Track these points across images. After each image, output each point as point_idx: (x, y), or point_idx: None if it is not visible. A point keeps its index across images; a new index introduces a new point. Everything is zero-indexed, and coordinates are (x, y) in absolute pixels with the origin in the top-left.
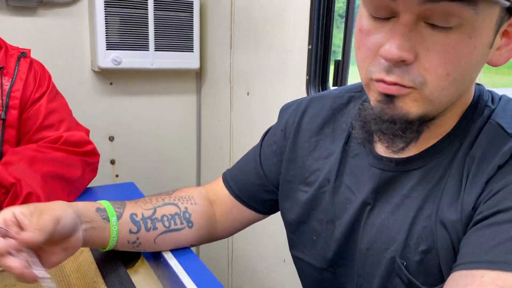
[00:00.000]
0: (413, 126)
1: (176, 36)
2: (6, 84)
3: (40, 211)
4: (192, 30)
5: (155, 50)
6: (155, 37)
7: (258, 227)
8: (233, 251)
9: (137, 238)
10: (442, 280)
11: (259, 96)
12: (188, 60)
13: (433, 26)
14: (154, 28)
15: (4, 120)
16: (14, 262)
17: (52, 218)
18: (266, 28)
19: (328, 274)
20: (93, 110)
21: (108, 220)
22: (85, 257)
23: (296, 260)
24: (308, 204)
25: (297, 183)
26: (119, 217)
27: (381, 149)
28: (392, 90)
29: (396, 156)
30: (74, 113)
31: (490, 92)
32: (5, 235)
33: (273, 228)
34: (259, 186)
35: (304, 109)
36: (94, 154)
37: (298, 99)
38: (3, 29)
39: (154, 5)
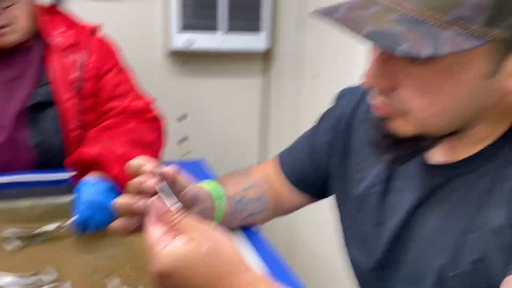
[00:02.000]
0: (415, 141)
1: (247, 17)
2: (81, 58)
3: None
4: (263, 10)
5: (225, 32)
6: (228, 17)
7: (319, 207)
8: (294, 223)
9: (230, 221)
10: None
11: (329, 79)
12: (256, 42)
13: (412, 59)
14: (227, 8)
15: (80, 92)
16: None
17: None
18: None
19: (373, 276)
20: (165, 90)
21: (215, 202)
22: None
23: (348, 254)
24: (354, 204)
25: (347, 179)
26: (224, 198)
27: (433, 153)
28: (379, 112)
29: (449, 160)
30: (149, 93)
31: None
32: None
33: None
34: (310, 172)
35: (360, 99)
36: (158, 119)
37: (356, 86)
38: (80, 13)
39: None
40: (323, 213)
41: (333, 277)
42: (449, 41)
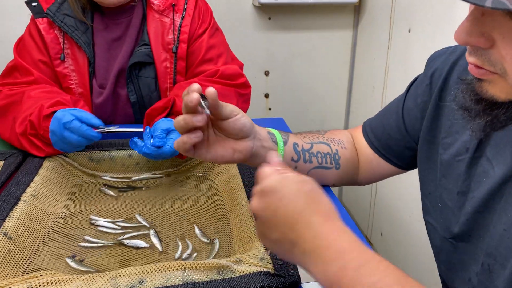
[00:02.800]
0: (511, 109)
1: None
2: (177, 20)
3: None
4: None
5: None
6: None
7: (404, 175)
8: (376, 195)
9: (296, 167)
10: None
11: (423, 34)
12: None
13: (505, 14)
14: None
15: (175, 53)
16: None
17: (233, 106)
18: None
19: (448, 245)
20: (251, 45)
21: (276, 144)
22: (236, 182)
23: (426, 223)
24: (439, 170)
25: (436, 143)
26: (285, 143)
27: None
28: (475, 72)
29: None
30: (234, 47)
31: None
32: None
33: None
34: (399, 141)
35: (455, 61)
36: (246, 86)
37: (451, 47)
38: None
39: None
40: (405, 178)
41: (412, 244)
42: None
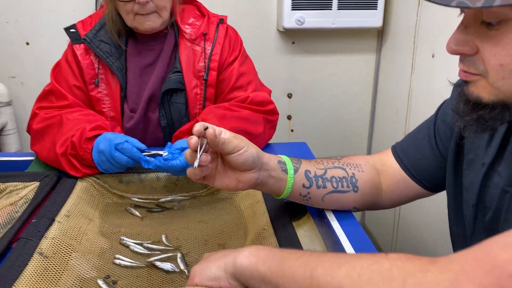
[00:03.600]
0: (494, 110)
1: None
2: (208, 48)
3: (233, 134)
4: None
5: (337, 9)
6: None
7: (428, 202)
8: (400, 219)
9: (308, 193)
10: None
11: (446, 59)
12: (370, 18)
13: (488, 24)
14: None
15: (206, 80)
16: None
17: (241, 140)
18: None
19: None
20: (275, 68)
21: (286, 172)
22: (260, 207)
23: (451, 232)
24: (464, 185)
25: (461, 160)
26: (295, 171)
27: None
28: (462, 75)
29: None
30: (259, 70)
31: None
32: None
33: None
34: (432, 162)
35: None
36: (274, 113)
37: None
38: None
39: None
40: (429, 204)
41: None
42: None
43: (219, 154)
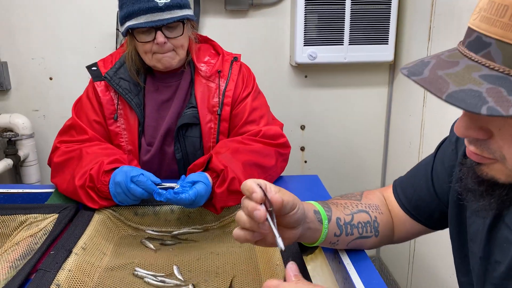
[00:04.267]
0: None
1: (371, 29)
2: (222, 85)
3: (284, 191)
4: (389, 22)
5: (349, 44)
6: (350, 31)
7: (444, 235)
8: (415, 251)
9: (337, 240)
10: None
11: None
12: (381, 53)
13: None
14: (350, 22)
15: (220, 115)
16: (258, 207)
17: (292, 198)
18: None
19: None
20: (288, 101)
21: (321, 223)
22: None
23: (459, 282)
24: (468, 233)
25: (464, 206)
26: (329, 220)
27: None
28: (474, 158)
29: None
30: (273, 103)
31: None
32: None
33: None
34: (429, 204)
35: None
36: (286, 146)
37: None
38: (221, 30)
39: (352, 0)
40: (445, 237)
41: None
42: None
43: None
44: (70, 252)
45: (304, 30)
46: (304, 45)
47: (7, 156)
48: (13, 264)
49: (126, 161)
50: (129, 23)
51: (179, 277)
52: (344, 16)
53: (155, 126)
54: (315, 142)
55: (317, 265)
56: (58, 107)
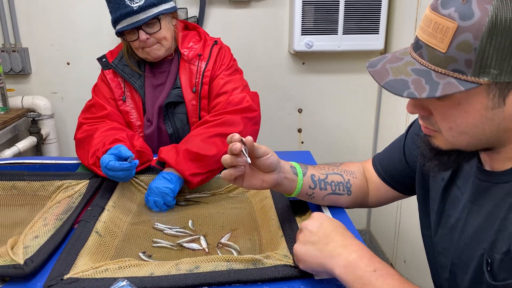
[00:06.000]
0: (452, 156)
1: (363, 20)
2: (202, 66)
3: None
4: (379, 14)
5: (343, 34)
6: (344, 21)
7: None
8: (400, 226)
9: (313, 193)
10: None
11: None
12: (372, 42)
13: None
14: (344, 13)
15: (200, 93)
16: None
17: (265, 147)
18: None
19: (432, 255)
20: (287, 86)
21: (297, 175)
22: (268, 202)
23: (422, 235)
24: (430, 194)
25: (427, 173)
26: (304, 174)
27: (484, 161)
28: (425, 130)
29: (493, 169)
30: (272, 88)
31: None
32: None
33: None
34: (402, 172)
35: None
36: (252, 109)
37: None
38: (225, 19)
39: None
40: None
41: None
42: (445, 86)
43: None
44: (103, 209)
45: (302, 20)
46: (301, 34)
47: (31, 134)
48: (58, 217)
49: (126, 139)
50: (117, 28)
51: (192, 228)
52: (339, 7)
53: (152, 105)
54: (312, 124)
55: None
56: (75, 89)
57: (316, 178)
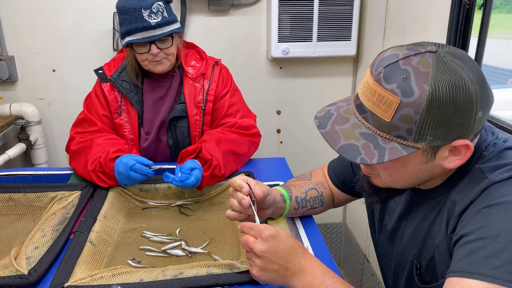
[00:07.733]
0: (388, 192)
1: (336, 27)
2: (206, 85)
3: (260, 184)
4: (351, 22)
5: (317, 41)
6: (318, 29)
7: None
8: None
9: (296, 212)
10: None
11: None
12: (345, 48)
13: None
14: (318, 21)
15: (204, 110)
16: (246, 197)
17: (267, 189)
18: (413, 26)
19: (379, 257)
20: (266, 89)
21: (285, 202)
22: None
23: (372, 239)
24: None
25: None
26: (290, 199)
27: None
28: (365, 172)
29: (423, 187)
30: (252, 91)
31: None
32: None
33: None
34: (352, 178)
35: None
36: (257, 135)
37: None
38: (205, 27)
39: (320, 1)
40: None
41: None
42: (391, 151)
43: None
44: (95, 219)
45: (278, 28)
46: (278, 42)
47: (20, 141)
48: (55, 228)
49: (127, 150)
50: (128, 39)
51: (178, 236)
52: (313, 16)
53: (152, 119)
54: (290, 125)
55: (280, 226)
56: (61, 95)
57: (299, 199)
